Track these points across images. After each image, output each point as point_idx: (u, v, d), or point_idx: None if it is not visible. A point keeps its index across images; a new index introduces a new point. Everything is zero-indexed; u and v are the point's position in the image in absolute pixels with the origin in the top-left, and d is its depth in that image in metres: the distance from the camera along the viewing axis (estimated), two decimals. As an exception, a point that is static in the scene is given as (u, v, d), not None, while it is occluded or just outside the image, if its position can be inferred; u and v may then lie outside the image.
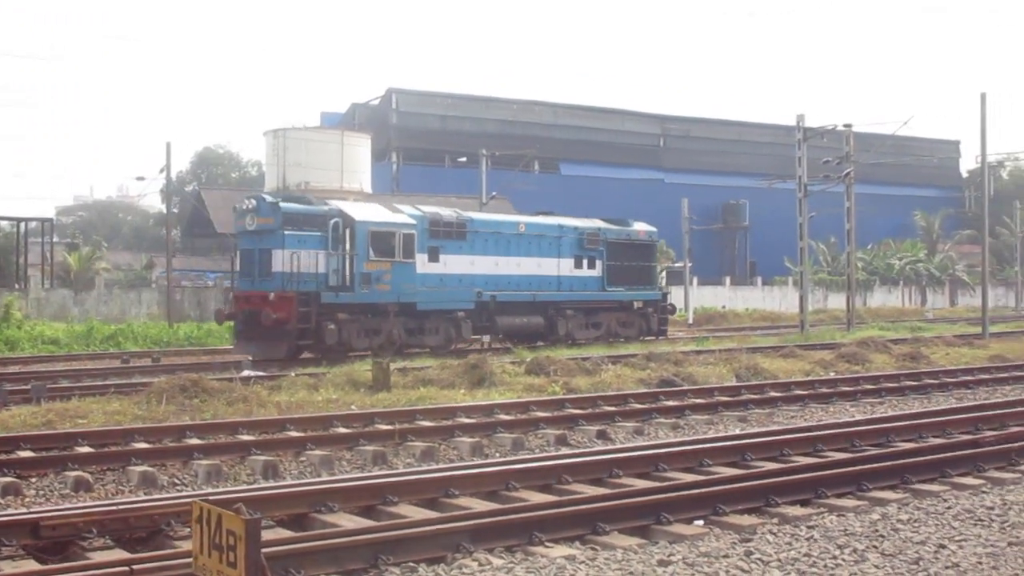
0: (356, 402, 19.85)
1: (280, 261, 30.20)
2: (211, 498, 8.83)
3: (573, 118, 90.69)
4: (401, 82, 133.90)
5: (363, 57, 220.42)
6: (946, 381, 24.58)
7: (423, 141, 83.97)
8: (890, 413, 18.91)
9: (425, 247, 33.37)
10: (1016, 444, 14.23)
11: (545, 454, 14.48)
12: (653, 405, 19.48)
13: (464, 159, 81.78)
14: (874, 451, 13.99)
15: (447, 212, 35.74)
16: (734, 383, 23.59)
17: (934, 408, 19.60)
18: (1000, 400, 20.87)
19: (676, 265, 70.50)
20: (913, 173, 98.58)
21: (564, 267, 37.95)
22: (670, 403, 19.95)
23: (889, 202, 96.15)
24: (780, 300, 78.75)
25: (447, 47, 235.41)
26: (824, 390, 22.33)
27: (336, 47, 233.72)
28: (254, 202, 31.17)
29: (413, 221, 33.08)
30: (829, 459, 13.28)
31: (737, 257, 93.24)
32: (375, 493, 10.54)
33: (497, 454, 15.03)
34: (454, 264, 34.40)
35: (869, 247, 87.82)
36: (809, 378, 24.77)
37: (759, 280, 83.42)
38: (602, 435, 16.70)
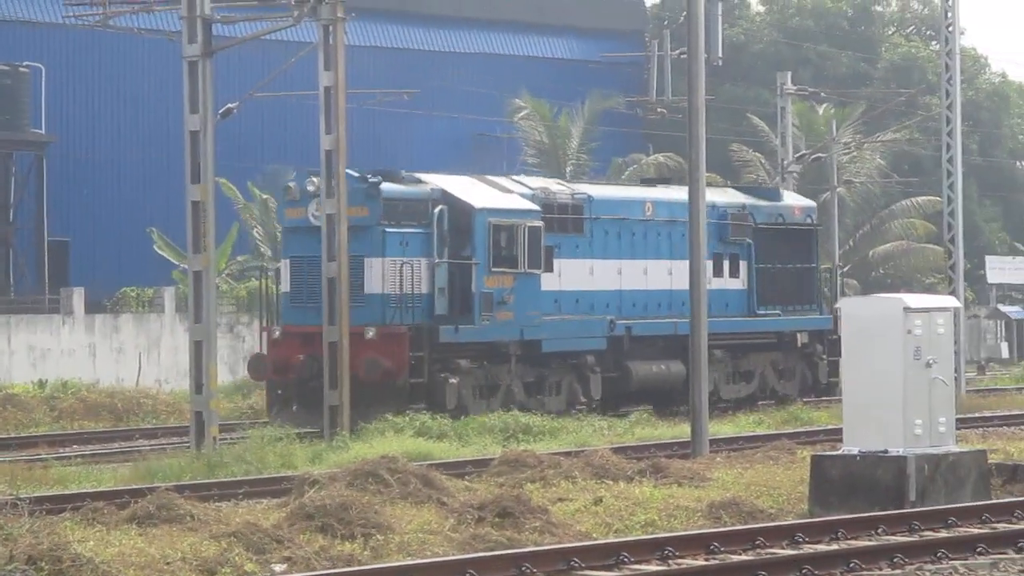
0: None
1: (379, 276, 19.74)
2: None
3: None
4: None
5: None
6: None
7: None
8: None
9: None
10: None
11: None
12: None
13: None
14: None
15: (556, 187, 23.23)
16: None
17: None
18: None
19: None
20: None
21: None
22: None
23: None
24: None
25: None
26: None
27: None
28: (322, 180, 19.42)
29: (533, 205, 21.52)
30: None
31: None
32: None
33: None
34: (570, 274, 22.18)
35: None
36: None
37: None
38: None
